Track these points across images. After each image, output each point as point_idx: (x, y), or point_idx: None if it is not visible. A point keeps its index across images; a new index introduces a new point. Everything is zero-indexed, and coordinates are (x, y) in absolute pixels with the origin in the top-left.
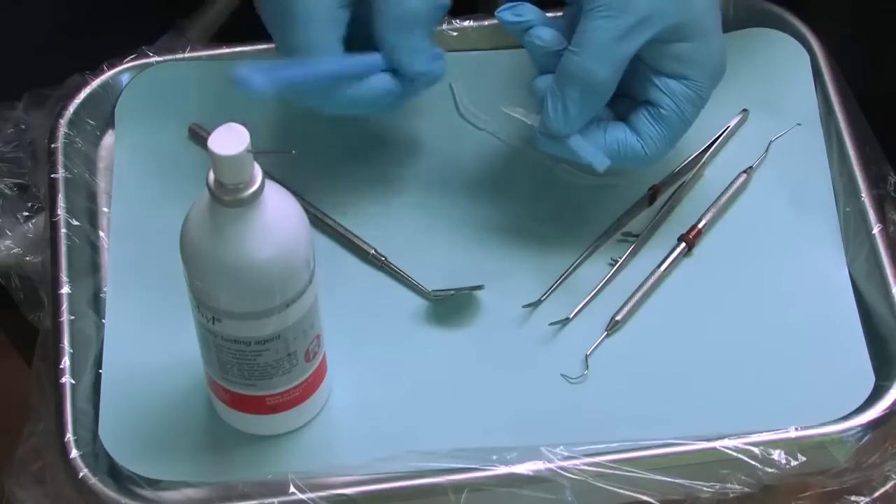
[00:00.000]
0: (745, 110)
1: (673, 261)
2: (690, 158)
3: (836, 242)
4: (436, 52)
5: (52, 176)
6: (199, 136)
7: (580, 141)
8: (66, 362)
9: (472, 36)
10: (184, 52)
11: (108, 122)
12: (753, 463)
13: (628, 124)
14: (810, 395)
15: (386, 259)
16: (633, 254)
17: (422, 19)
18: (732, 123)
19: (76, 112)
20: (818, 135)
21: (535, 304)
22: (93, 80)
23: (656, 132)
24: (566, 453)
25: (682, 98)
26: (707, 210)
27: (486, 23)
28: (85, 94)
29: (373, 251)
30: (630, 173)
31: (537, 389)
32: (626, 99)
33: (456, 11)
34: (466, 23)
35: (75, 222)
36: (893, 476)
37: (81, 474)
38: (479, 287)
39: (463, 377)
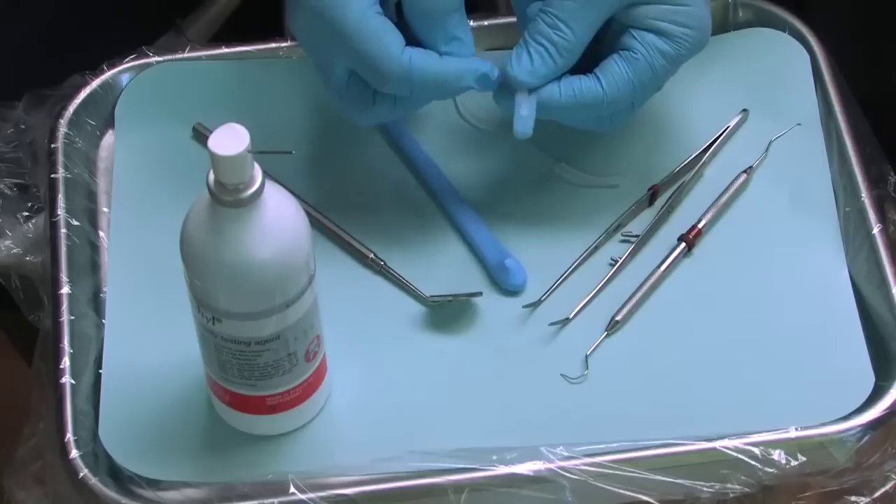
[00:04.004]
0: (745, 110)
1: (673, 261)
2: (690, 158)
3: (836, 242)
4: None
5: (52, 176)
6: (203, 136)
7: (524, 100)
8: (66, 362)
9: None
10: (184, 52)
11: (108, 122)
12: (753, 463)
13: (596, 71)
14: (810, 395)
15: (385, 263)
16: (633, 254)
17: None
18: (732, 123)
19: (76, 112)
20: (818, 135)
21: (535, 305)
22: (93, 80)
23: (619, 72)
24: (566, 453)
25: (655, 48)
26: (707, 210)
27: (487, 23)
28: (85, 94)
29: (371, 255)
30: (630, 173)
31: (537, 390)
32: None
33: None
34: None
35: (75, 222)
36: (893, 476)
37: (81, 474)
38: (478, 294)
39: (463, 377)
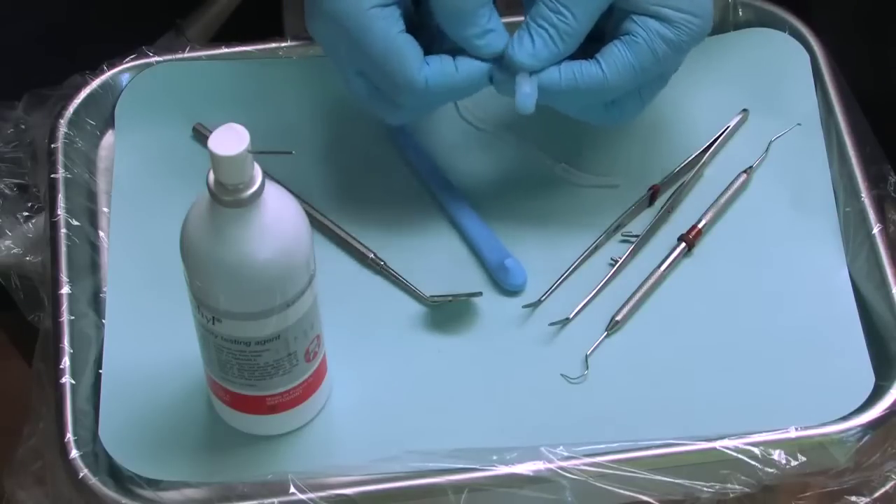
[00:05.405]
0: (745, 110)
1: (673, 261)
2: (690, 158)
3: (836, 242)
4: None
5: (52, 176)
6: (203, 136)
7: (525, 80)
8: (66, 362)
9: None
10: (184, 52)
11: (108, 122)
12: (753, 463)
13: (597, 56)
14: (810, 395)
15: (385, 263)
16: (633, 254)
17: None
18: (732, 123)
19: (76, 112)
20: (818, 135)
21: (535, 305)
22: (93, 80)
23: (620, 56)
24: (566, 453)
25: (657, 34)
26: (707, 210)
27: None
28: (85, 94)
29: (372, 255)
30: (630, 173)
31: (537, 390)
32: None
33: None
34: None
35: (75, 222)
36: (893, 476)
37: (81, 474)
38: (478, 294)
39: (463, 377)
